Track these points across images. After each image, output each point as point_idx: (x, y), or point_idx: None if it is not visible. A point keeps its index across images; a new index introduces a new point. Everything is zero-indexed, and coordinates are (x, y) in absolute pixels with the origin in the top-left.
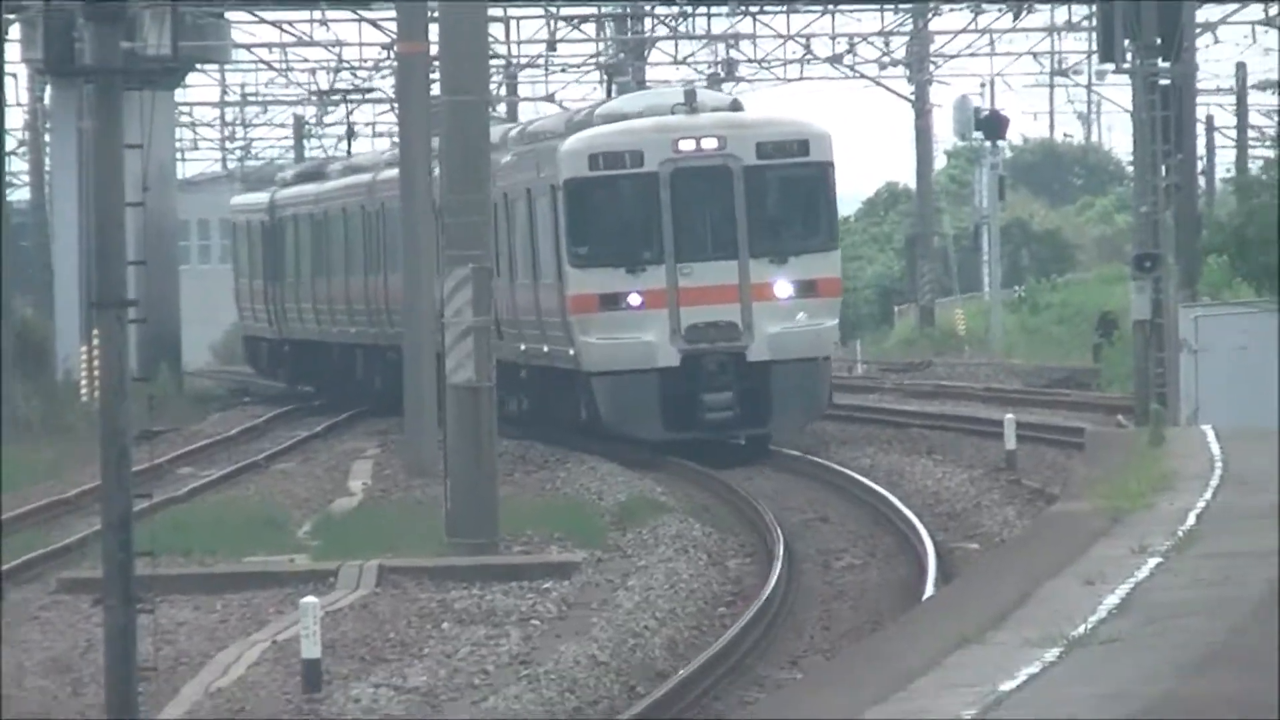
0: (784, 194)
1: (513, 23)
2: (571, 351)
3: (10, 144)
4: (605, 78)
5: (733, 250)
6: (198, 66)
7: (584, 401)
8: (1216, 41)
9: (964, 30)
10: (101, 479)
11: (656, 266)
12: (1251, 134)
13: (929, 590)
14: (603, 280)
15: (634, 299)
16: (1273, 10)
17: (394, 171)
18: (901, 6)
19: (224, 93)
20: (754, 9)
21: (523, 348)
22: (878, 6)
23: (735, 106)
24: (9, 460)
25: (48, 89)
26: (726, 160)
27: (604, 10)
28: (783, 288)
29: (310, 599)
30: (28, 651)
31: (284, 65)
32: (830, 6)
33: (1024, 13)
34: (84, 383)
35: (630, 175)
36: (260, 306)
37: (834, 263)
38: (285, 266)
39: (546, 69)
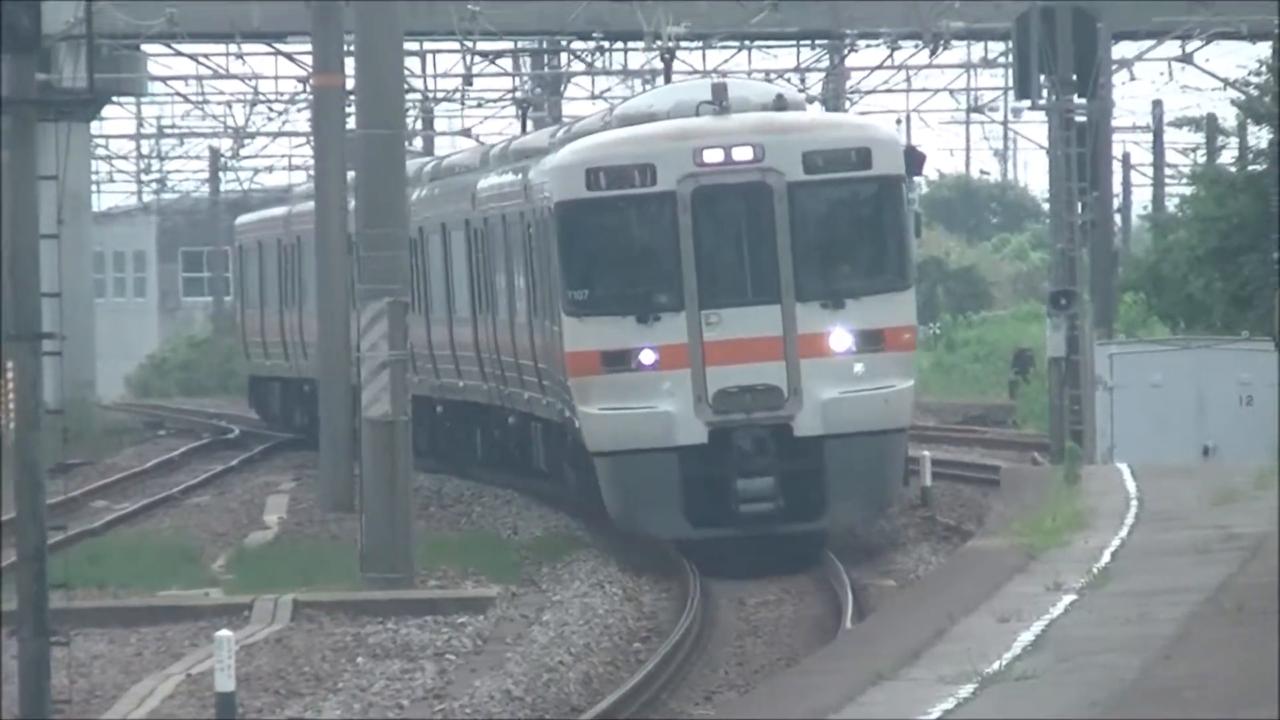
0: (841, 217)
1: (429, 57)
2: (567, 413)
3: None
4: (520, 112)
5: (774, 292)
6: (114, 99)
7: (578, 474)
8: (1133, 79)
9: (880, 66)
10: (16, 511)
11: (675, 314)
12: (1168, 171)
13: (845, 626)
14: (606, 333)
15: (646, 356)
16: (1190, 47)
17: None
18: (818, 43)
19: (140, 125)
20: (670, 44)
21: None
22: (794, 43)
23: (779, 104)
24: None
25: None
26: (765, 175)
27: (520, 45)
28: (840, 339)
29: (225, 633)
30: None
31: (200, 98)
32: (746, 43)
33: (940, 49)
34: None
35: (640, 195)
36: (275, 340)
37: (907, 307)
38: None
39: (463, 103)
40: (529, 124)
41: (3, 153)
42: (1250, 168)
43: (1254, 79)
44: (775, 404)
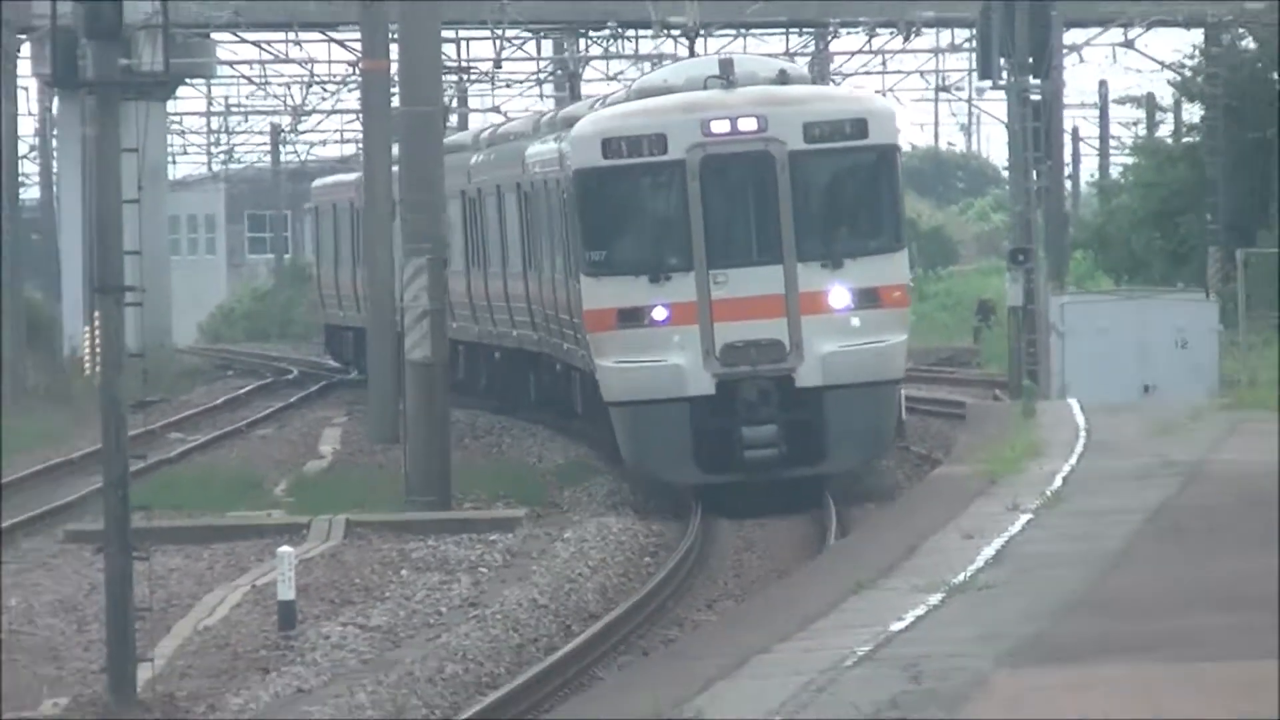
0: (839, 184)
1: (463, 42)
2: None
3: (22, 149)
4: (568, 85)
5: (777, 253)
6: (187, 80)
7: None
8: (1082, 61)
9: (859, 51)
10: (102, 442)
11: (685, 274)
12: (1112, 143)
13: (829, 543)
14: (621, 291)
15: (658, 313)
16: (1132, 34)
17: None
18: (805, 30)
19: (210, 104)
20: (675, 33)
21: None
22: (783, 31)
23: (782, 78)
24: (19, 429)
25: (55, 100)
26: (768, 144)
27: (542, 31)
28: (839, 297)
29: (286, 549)
30: (38, 594)
31: (262, 79)
32: (742, 31)
33: (913, 35)
34: (87, 359)
35: (652, 164)
36: (348, 293)
37: (900, 266)
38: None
39: (493, 83)
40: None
41: (90, 129)
42: (1185, 140)
43: (1188, 62)
44: (778, 357)
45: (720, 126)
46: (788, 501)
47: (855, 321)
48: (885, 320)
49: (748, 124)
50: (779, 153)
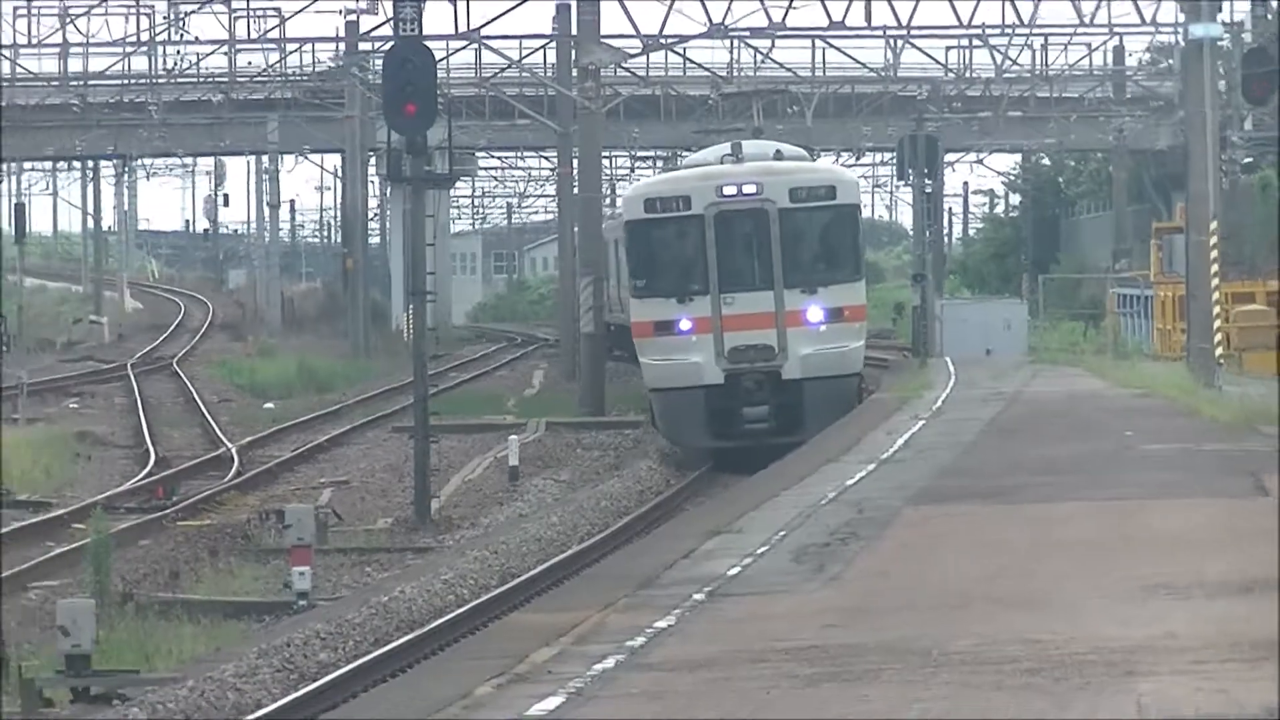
0: (814, 232)
1: (613, 158)
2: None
3: (372, 212)
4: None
5: (770, 282)
6: (461, 177)
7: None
8: (953, 170)
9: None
10: (414, 377)
11: (703, 296)
12: (971, 215)
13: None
14: (657, 309)
15: (684, 325)
16: (983, 156)
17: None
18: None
19: (473, 189)
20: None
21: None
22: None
23: (777, 156)
24: (370, 369)
25: (388, 188)
26: (764, 204)
27: (655, 151)
28: (814, 314)
29: (513, 437)
30: (377, 460)
31: (501, 175)
32: None
33: (862, 154)
34: (405, 331)
35: (680, 217)
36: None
37: (859, 292)
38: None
39: (630, 179)
40: None
41: (407, 204)
42: (1010, 214)
43: (1012, 171)
44: (769, 357)
45: (730, 190)
46: (775, 460)
47: (825, 332)
48: (847, 331)
49: (750, 189)
50: (771, 209)
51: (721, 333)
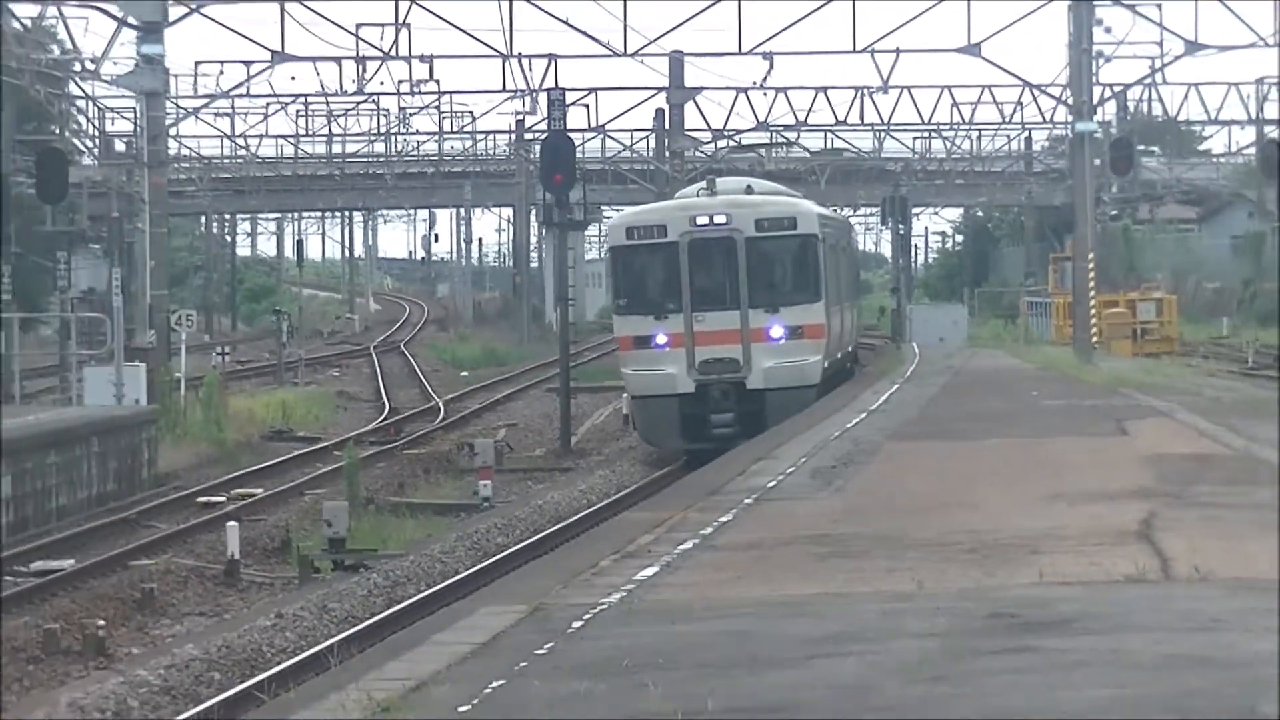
0: (777, 258)
1: None
2: None
3: (532, 245)
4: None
5: (736, 302)
6: (591, 219)
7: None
8: (918, 218)
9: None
10: (559, 355)
11: (677, 314)
12: (932, 249)
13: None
14: (637, 325)
15: (660, 339)
16: (939, 210)
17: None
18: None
19: (599, 230)
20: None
21: None
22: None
23: (747, 190)
24: (532, 353)
25: (544, 230)
26: (732, 232)
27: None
28: (775, 331)
29: (625, 395)
30: (535, 409)
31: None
32: None
33: (858, 209)
34: (554, 325)
35: (657, 243)
36: None
37: (818, 312)
38: None
39: None
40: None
41: (555, 240)
42: (956, 249)
43: (957, 220)
44: (735, 370)
45: (702, 220)
46: None
47: (786, 346)
48: (805, 347)
49: (720, 219)
50: (739, 237)
51: (693, 347)
